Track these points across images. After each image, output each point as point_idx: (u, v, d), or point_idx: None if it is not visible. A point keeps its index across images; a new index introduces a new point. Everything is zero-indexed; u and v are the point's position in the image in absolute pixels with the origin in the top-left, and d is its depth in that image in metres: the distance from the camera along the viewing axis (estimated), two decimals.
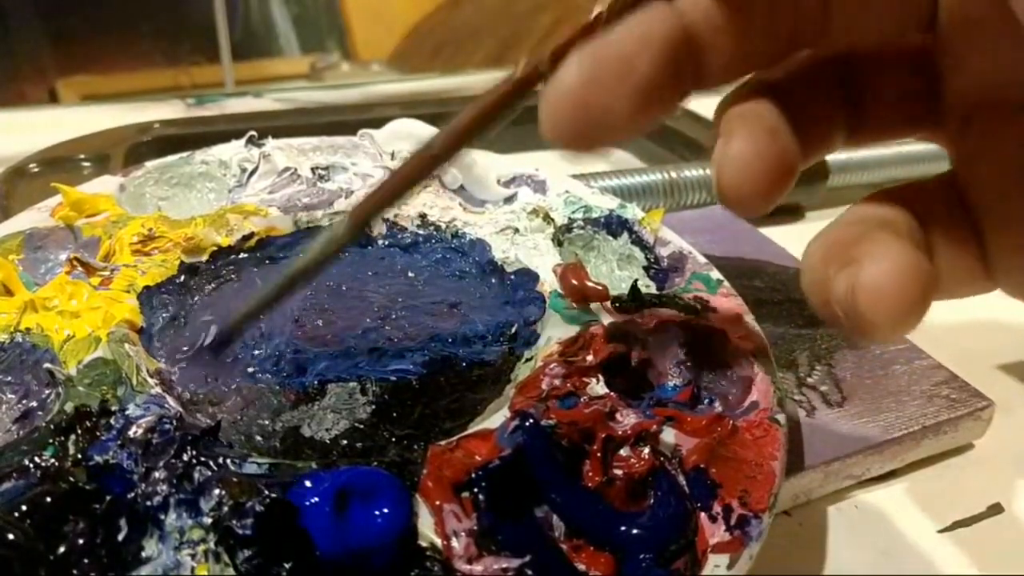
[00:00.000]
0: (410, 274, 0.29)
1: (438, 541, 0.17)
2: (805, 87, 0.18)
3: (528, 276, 0.27)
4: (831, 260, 0.16)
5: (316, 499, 0.17)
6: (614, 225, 0.30)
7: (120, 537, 0.16)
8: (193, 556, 0.16)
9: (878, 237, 0.16)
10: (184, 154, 0.32)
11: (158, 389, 0.21)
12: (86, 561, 0.16)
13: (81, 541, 0.16)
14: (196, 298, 0.26)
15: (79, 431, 0.19)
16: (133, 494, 0.17)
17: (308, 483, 0.17)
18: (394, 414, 0.22)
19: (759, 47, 0.17)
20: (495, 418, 0.20)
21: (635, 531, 0.18)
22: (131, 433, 0.18)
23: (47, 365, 0.21)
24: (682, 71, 0.16)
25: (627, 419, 0.21)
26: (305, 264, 0.21)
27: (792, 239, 0.38)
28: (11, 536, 0.16)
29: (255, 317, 0.23)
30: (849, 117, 0.19)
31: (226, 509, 0.17)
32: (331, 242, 0.20)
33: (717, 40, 0.16)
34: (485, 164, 0.33)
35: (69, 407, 0.19)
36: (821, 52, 0.19)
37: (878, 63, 0.19)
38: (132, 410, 0.19)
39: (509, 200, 0.32)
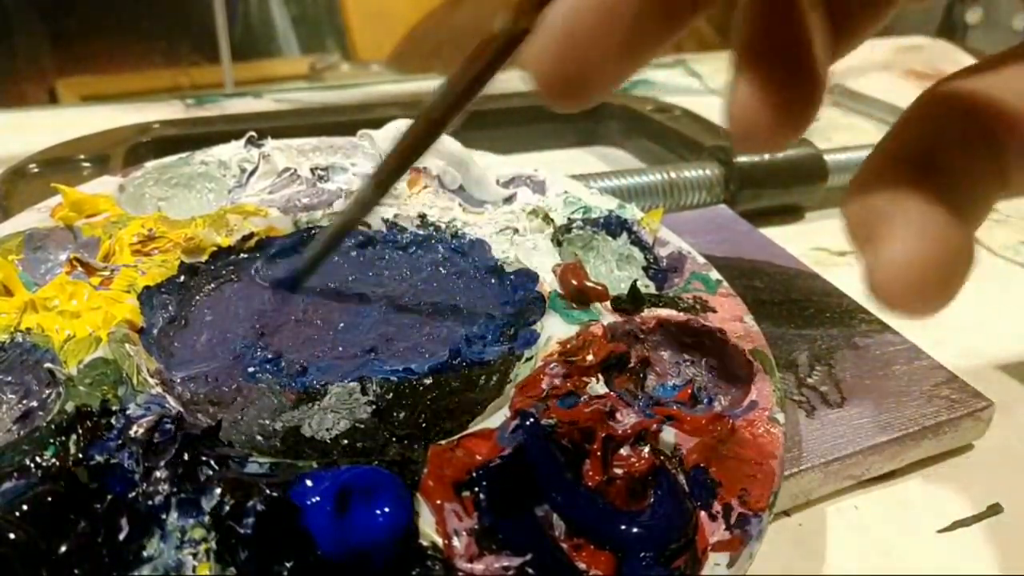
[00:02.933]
0: (410, 274, 0.29)
1: (439, 540, 0.17)
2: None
3: (528, 276, 0.27)
4: (858, 230, 0.14)
5: (317, 498, 0.17)
6: (613, 225, 0.30)
7: (121, 536, 0.16)
8: (194, 555, 0.16)
9: (903, 204, 0.13)
10: (184, 154, 0.32)
11: (159, 389, 0.21)
12: (87, 560, 0.16)
13: (82, 541, 0.16)
14: (196, 298, 0.26)
15: (80, 431, 0.19)
16: (134, 493, 0.17)
17: (309, 482, 0.17)
18: (394, 414, 0.22)
19: None
20: (495, 417, 0.20)
21: (635, 530, 0.18)
22: (132, 433, 0.18)
23: (48, 365, 0.21)
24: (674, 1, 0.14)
25: (627, 418, 0.21)
26: (343, 222, 0.25)
27: (792, 239, 0.38)
28: (12, 535, 0.16)
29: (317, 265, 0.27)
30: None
31: (227, 508, 0.17)
32: (358, 203, 0.24)
33: None
34: (484, 165, 0.33)
35: (70, 407, 0.19)
36: None
37: None
38: (133, 410, 0.19)
39: (508, 200, 0.32)
